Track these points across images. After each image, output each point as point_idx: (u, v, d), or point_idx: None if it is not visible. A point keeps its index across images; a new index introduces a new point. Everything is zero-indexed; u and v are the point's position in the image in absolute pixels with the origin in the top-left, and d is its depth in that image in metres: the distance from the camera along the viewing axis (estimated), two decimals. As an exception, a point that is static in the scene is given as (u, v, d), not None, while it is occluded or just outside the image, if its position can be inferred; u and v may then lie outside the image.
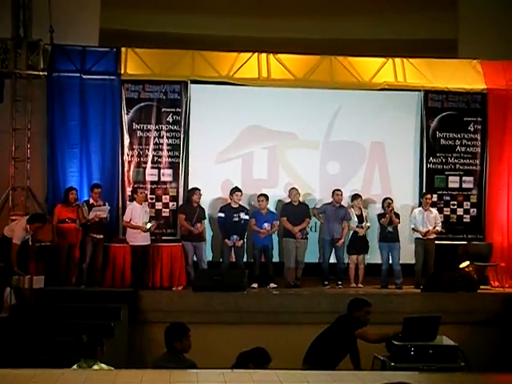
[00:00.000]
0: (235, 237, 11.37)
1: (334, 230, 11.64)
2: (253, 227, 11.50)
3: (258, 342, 6.41)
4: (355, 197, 11.88)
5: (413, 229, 11.83)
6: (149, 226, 10.93)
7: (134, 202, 11.21)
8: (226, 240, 11.39)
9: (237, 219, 11.46)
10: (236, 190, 11.57)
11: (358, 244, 11.73)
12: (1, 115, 11.86)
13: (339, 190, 11.76)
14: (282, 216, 11.66)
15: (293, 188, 11.79)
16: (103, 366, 5.95)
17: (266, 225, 11.49)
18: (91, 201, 11.16)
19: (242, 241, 11.45)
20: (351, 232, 11.78)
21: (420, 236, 11.74)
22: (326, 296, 10.75)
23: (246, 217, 11.51)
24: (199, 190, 11.45)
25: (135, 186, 11.81)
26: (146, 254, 11.00)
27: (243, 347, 6.08)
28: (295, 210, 11.65)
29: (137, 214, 11.04)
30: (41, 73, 11.96)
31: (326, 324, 7.36)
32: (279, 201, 12.16)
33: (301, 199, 11.88)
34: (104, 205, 11.18)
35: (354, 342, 7.15)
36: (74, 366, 5.94)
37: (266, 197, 11.66)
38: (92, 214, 10.92)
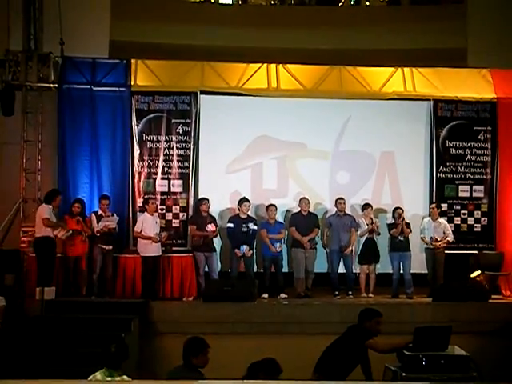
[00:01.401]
0: (245, 247, 11.37)
1: (342, 239, 11.62)
2: (264, 238, 11.50)
3: (269, 352, 6.40)
4: (365, 206, 11.85)
5: (421, 238, 11.80)
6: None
7: (145, 213, 11.24)
8: (236, 250, 11.38)
9: (246, 229, 11.46)
10: (244, 200, 11.58)
11: (369, 254, 11.70)
12: (12, 127, 11.93)
13: (342, 199, 11.75)
14: (291, 226, 11.66)
15: (303, 198, 11.78)
16: (125, 377, 5.96)
17: (277, 245, 11.48)
18: (100, 212, 11.19)
19: (251, 251, 11.45)
20: (362, 241, 11.75)
21: (429, 246, 11.70)
22: (337, 306, 10.74)
23: (255, 227, 11.51)
24: (207, 200, 11.47)
25: (146, 196, 11.83)
26: (157, 264, 11.01)
27: (254, 358, 6.07)
28: (304, 220, 11.64)
29: (148, 224, 11.07)
30: (51, 85, 12.05)
31: (336, 334, 7.33)
32: (288, 211, 12.15)
33: (311, 209, 11.87)
34: (113, 215, 11.21)
35: (364, 353, 7.12)
36: (97, 374, 5.98)
37: (276, 207, 11.67)
38: (101, 224, 10.96)
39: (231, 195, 12.18)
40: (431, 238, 11.67)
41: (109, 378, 5.95)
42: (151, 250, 10.95)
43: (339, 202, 11.73)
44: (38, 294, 10.27)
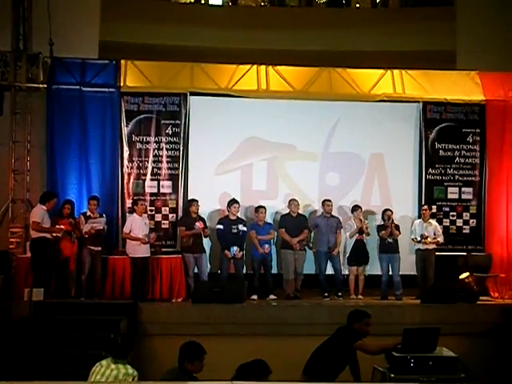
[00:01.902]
0: (235, 248, 11.36)
1: (329, 240, 11.64)
2: (254, 239, 11.50)
3: (258, 353, 6.39)
4: (355, 208, 11.87)
5: (412, 239, 11.83)
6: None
7: (134, 214, 11.22)
8: (226, 251, 11.38)
9: (235, 231, 11.46)
10: (233, 201, 11.57)
11: (359, 255, 11.72)
12: (0, 128, 11.89)
13: (329, 200, 11.77)
14: (281, 227, 11.67)
15: (293, 199, 11.79)
16: (128, 367, 6.05)
17: (266, 246, 11.49)
18: (88, 213, 11.16)
19: (241, 252, 11.45)
20: (352, 243, 11.76)
21: (420, 247, 11.73)
22: (326, 308, 10.74)
23: (244, 228, 11.51)
24: (197, 201, 11.46)
25: (135, 197, 11.82)
26: (146, 265, 10.99)
27: (243, 359, 6.06)
28: (294, 222, 11.65)
29: (137, 225, 11.04)
30: (40, 85, 12.00)
31: (325, 336, 7.34)
32: (277, 212, 12.16)
33: (300, 211, 11.89)
34: (101, 217, 11.18)
35: (353, 354, 7.14)
36: (103, 361, 6.11)
37: (265, 209, 11.68)
38: (88, 226, 10.91)
39: (220, 196, 12.18)
40: (421, 235, 11.69)
41: (113, 366, 6.04)
42: (140, 251, 10.93)
43: (327, 203, 11.75)
44: (26, 295, 10.22)
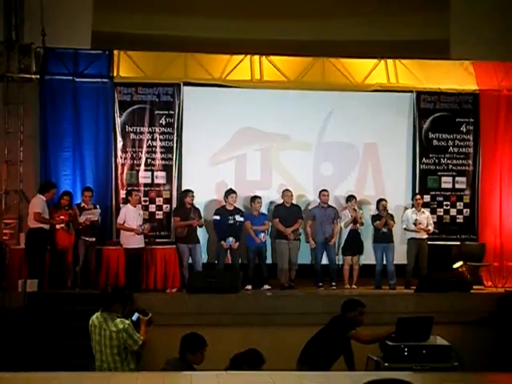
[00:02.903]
0: (231, 239, 11.37)
1: (326, 231, 11.65)
2: (249, 229, 11.51)
3: (252, 343, 6.42)
4: (350, 198, 11.88)
5: (405, 229, 11.85)
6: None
7: (128, 205, 11.21)
8: (222, 242, 11.38)
9: (232, 221, 11.47)
10: (231, 192, 11.57)
11: (353, 245, 11.74)
12: (-7, 119, 11.85)
13: (326, 191, 11.78)
14: (275, 217, 11.68)
15: (286, 190, 11.80)
16: (117, 321, 6.13)
17: (262, 235, 11.50)
18: (82, 204, 11.15)
19: (237, 243, 11.45)
20: (346, 233, 11.78)
21: (413, 236, 11.75)
22: (320, 297, 10.78)
23: (241, 219, 11.52)
24: (192, 191, 11.45)
25: (129, 188, 11.81)
26: (140, 256, 10.99)
27: (237, 349, 6.09)
28: (287, 212, 11.67)
29: (131, 216, 11.04)
30: (33, 76, 11.94)
31: (320, 325, 7.36)
32: (271, 202, 12.17)
33: (294, 201, 11.89)
34: (95, 208, 11.17)
35: (347, 343, 7.16)
36: (93, 316, 6.31)
37: (260, 199, 11.68)
38: (83, 217, 10.91)
39: (215, 187, 12.18)
40: (416, 219, 11.70)
41: (104, 324, 6.14)
42: (134, 241, 10.93)
43: (323, 193, 11.75)
44: (20, 286, 10.22)
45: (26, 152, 11.98)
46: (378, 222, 11.65)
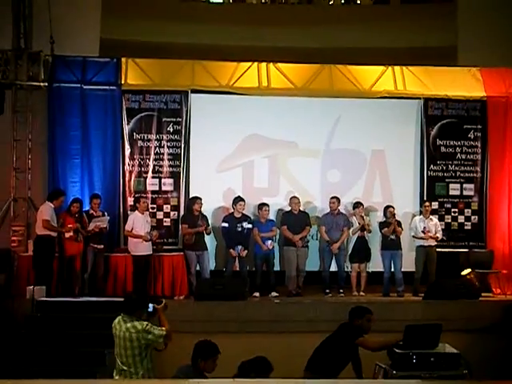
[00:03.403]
0: (240, 247, 11.38)
1: (334, 238, 11.64)
2: (256, 236, 11.50)
3: (260, 350, 6.40)
4: (357, 205, 11.87)
5: (413, 236, 11.83)
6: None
7: (136, 212, 11.23)
8: (231, 250, 11.39)
9: (240, 229, 11.47)
10: (239, 199, 11.58)
11: (361, 252, 11.71)
12: (2, 126, 11.89)
13: (334, 198, 11.76)
14: (283, 224, 11.67)
15: (294, 197, 11.79)
16: (136, 323, 6.17)
17: (269, 242, 11.50)
18: (91, 211, 11.17)
19: (246, 251, 11.46)
20: (353, 240, 11.76)
21: (422, 243, 11.72)
22: (328, 304, 10.76)
23: (249, 226, 11.51)
24: (200, 199, 11.46)
25: (136, 195, 11.83)
26: (148, 263, 11.00)
27: (245, 356, 6.07)
28: (295, 219, 11.66)
29: (138, 223, 11.05)
30: (41, 83, 12.00)
31: (327, 332, 7.34)
32: (279, 210, 12.16)
33: (302, 208, 11.88)
34: (103, 215, 11.19)
35: (355, 351, 7.13)
36: (115, 320, 6.34)
37: (268, 206, 11.68)
38: (92, 224, 10.94)
39: (222, 194, 12.19)
40: (424, 227, 11.68)
41: (123, 326, 6.19)
42: (142, 248, 10.94)
43: (332, 201, 11.74)
44: (28, 293, 10.25)
45: (34, 159, 12.03)
46: (386, 229, 11.62)
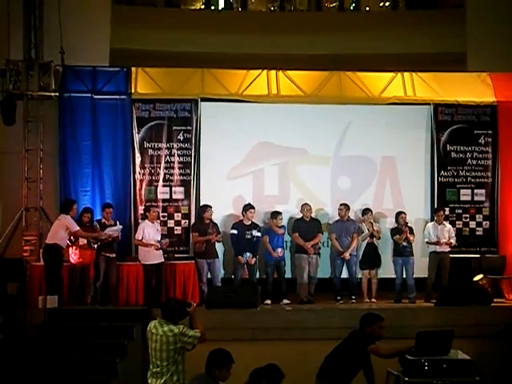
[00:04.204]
0: (248, 254, 11.39)
1: (345, 245, 11.63)
2: (266, 244, 11.51)
3: (271, 358, 6.40)
4: (366, 211, 11.86)
5: (427, 242, 11.79)
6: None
7: (146, 221, 11.26)
8: (239, 257, 11.40)
9: (249, 236, 11.47)
10: (249, 207, 11.59)
11: (370, 258, 11.70)
12: (13, 136, 11.97)
13: (342, 205, 11.75)
14: (294, 232, 11.67)
15: (305, 204, 11.79)
16: (172, 327, 6.25)
17: (279, 250, 11.49)
18: (103, 220, 11.22)
19: (254, 258, 11.46)
20: (363, 246, 11.75)
21: (435, 249, 11.68)
22: (339, 311, 10.72)
23: (259, 234, 11.52)
24: (210, 207, 11.48)
25: (147, 204, 11.86)
26: (160, 272, 11.01)
27: (256, 364, 6.07)
28: (307, 226, 11.66)
29: (149, 232, 11.08)
30: (52, 94, 12.08)
31: (339, 340, 7.31)
32: (290, 217, 12.15)
33: (313, 215, 11.88)
34: (115, 224, 11.22)
35: (367, 358, 7.11)
36: (151, 322, 6.39)
37: (281, 214, 11.68)
38: (105, 234, 10.97)
39: (233, 202, 12.20)
40: (436, 235, 11.64)
41: (160, 330, 6.24)
42: (152, 257, 10.96)
43: (340, 208, 11.74)
44: (40, 302, 10.30)
45: (45, 169, 12.10)
46: (397, 236, 11.58)
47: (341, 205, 11.76)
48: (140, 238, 11.05)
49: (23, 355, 9.08)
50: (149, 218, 11.22)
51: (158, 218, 11.57)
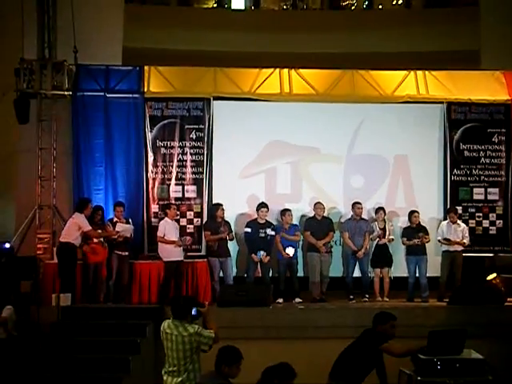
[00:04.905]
0: (262, 252, 11.39)
1: (357, 243, 11.61)
2: (278, 244, 11.50)
3: (283, 357, 6.39)
4: (378, 210, 11.84)
5: (439, 241, 11.74)
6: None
7: (166, 218, 11.27)
8: (253, 255, 11.40)
9: (263, 235, 11.47)
10: (262, 205, 11.59)
11: (381, 257, 11.67)
12: (27, 135, 12.02)
13: (359, 203, 11.73)
14: (306, 230, 11.66)
15: (318, 202, 11.77)
16: (188, 327, 6.27)
17: (290, 249, 11.49)
18: (115, 219, 11.25)
19: (268, 257, 11.46)
20: (374, 245, 11.74)
21: (448, 248, 11.63)
22: (352, 310, 10.72)
23: (273, 232, 11.51)
24: (222, 205, 11.49)
25: (161, 202, 11.89)
26: (180, 269, 11.06)
27: (268, 362, 6.07)
28: (319, 224, 11.65)
29: (170, 229, 11.12)
30: (66, 92, 12.12)
31: (351, 338, 7.31)
32: (302, 216, 12.15)
33: (325, 214, 11.87)
34: (127, 223, 11.26)
35: (379, 357, 7.10)
36: (165, 321, 6.43)
37: (291, 212, 11.67)
38: (116, 233, 11.00)
39: (245, 200, 12.21)
40: (445, 238, 11.59)
41: (175, 331, 6.26)
42: (174, 254, 10.99)
43: (357, 206, 11.70)
44: (53, 300, 10.36)
45: (58, 167, 12.14)
46: (415, 240, 11.50)
47: (358, 203, 11.73)
48: (162, 235, 11.05)
49: (36, 353, 9.14)
50: (168, 215, 11.25)
51: (177, 216, 11.58)
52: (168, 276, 10.96)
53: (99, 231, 10.94)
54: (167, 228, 11.11)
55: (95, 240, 10.90)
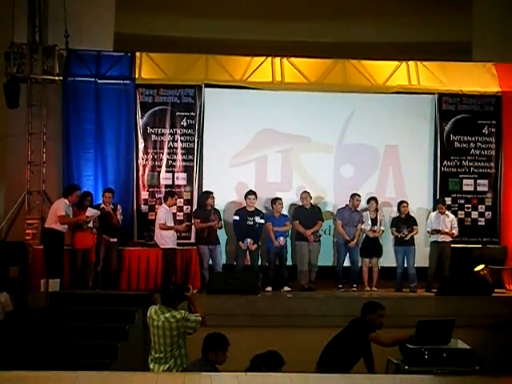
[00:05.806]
0: (249, 240, 11.39)
1: (350, 233, 11.64)
2: (269, 231, 11.51)
3: (272, 345, 6.44)
4: (370, 200, 11.86)
5: (428, 231, 11.78)
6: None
7: (164, 205, 11.23)
8: (240, 243, 11.41)
9: (251, 223, 11.48)
10: (250, 193, 11.59)
11: (371, 247, 11.72)
12: (16, 120, 11.94)
13: (358, 195, 11.74)
14: (295, 219, 11.68)
15: (304, 191, 11.80)
16: (174, 313, 6.33)
17: (281, 238, 11.50)
18: (102, 205, 11.22)
19: (255, 245, 11.47)
20: (364, 235, 11.77)
21: (436, 239, 11.67)
22: (340, 299, 10.75)
23: (262, 221, 11.52)
24: (212, 193, 11.49)
25: (167, 189, 11.86)
26: (175, 256, 11.08)
27: (257, 350, 6.10)
28: (307, 213, 11.66)
29: (169, 217, 11.13)
30: (56, 77, 12.06)
31: (339, 327, 7.34)
32: (292, 204, 12.16)
33: (315, 202, 11.88)
34: (116, 209, 11.22)
35: (367, 346, 7.14)
36: (152, 307, 6.51)
37: (281, 200, 11.68)
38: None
39: (235, 188, 12.21)
40: (435, 229, 11.64)
41: (161, 316, 6.32)
42: (171, 241, 11.02)
43: (356, 198, 11.71)
44: (42, 285, 10.34)
45: (48, 153, 12.08)
46: (403, 231, 11.54)
47: (358, 195, 11.73)
48: (164, 222, 11.02)
49: (25, 338, 9.12)
50: (167, 202, 11.19)
51: (161, 204, 11.57)
52: (167, 263, 10.95)
53: (71, 217, 10.84)
54: (168, 215, 11.10)
55: (85, 226, 10.85)
